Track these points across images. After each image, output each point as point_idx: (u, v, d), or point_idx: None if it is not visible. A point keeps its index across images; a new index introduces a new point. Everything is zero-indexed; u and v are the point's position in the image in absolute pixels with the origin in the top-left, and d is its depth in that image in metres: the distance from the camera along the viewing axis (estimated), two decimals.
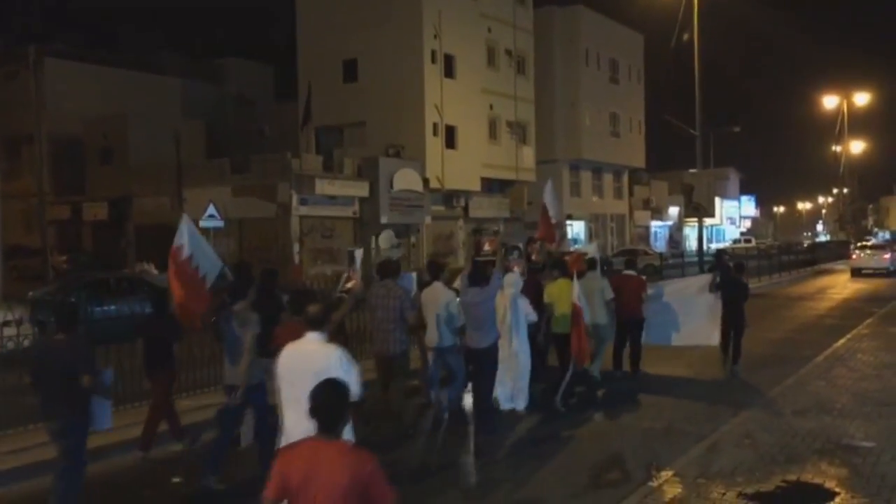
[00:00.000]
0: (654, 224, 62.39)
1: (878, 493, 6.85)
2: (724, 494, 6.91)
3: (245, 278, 8.45)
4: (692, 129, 31.07)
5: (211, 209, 29.69)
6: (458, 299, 9.57)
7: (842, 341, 15.66)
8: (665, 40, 54.04)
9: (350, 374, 5.16)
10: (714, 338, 13.01)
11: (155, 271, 20.41)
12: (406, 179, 34.83)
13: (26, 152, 37.34)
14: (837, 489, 7.01)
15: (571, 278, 10.76)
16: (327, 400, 3.72)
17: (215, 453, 7.77)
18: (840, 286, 32.02)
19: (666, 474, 7.54)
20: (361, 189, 33.87)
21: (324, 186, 32.33)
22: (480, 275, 9.04)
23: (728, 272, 13.54)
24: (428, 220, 36.89)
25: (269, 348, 6.38)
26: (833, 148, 59.87)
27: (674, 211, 64.18)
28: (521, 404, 10.35)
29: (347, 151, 35.64)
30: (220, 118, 43.44)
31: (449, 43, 37.77)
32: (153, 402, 8.88)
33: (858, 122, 58.10)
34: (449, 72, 38.13)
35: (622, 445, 9.03)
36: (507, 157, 42.55)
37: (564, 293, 10.67)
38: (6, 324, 11.03)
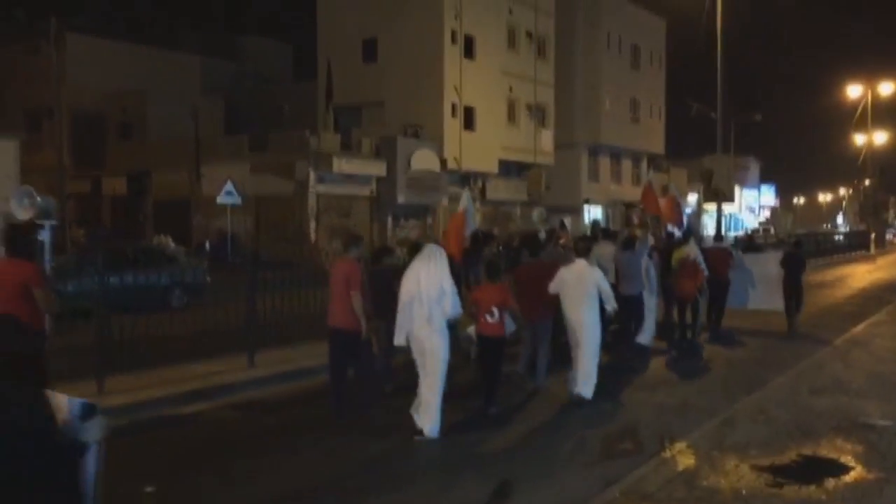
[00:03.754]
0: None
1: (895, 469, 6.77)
2: (737, 466, 6.84)
3: (486, 239, 12.53)
4: (713, 113, 30.85)
5: (229, 186, 29.81)
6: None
7: (861, 326, 15.51)
8: (688, 27, 53.55)
9: (606, 283, 9.83)
10: (780, 304, 15.33)
11: (172, 244, 20.45)
12: (423, 160, 34.78)
13: (47, 126, 37.50)
14: (853, 464, 6.93)
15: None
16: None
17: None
18: (859, 276, 31.73)
19: (679, 446, 7.49)
20: (379, 168, 33.86)
21: (341, 165, 32.34)
22: (630, 241, 12.64)
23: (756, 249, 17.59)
24: (444, 201, 36.81)
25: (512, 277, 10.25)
26: (855, 138, 59.06)
27: (692, 199, 63.71)
28: (646, 339, 12.90)
29: (366, 131, 35.59)
30: (239, 96, 43.52)
31: (470, 23, 37.57)
32: None
33: (883, 113, 56.96)
34: (469, 52, 37.94)
35: (636, 419, 8.98)
36: (526, 140, 42.36)
37: (679, 256, 13.44)
38: None
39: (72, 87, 35.63)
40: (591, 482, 6.67)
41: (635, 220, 16.10)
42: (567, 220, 15.30)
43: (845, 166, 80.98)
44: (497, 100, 40.16)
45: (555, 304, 10.00)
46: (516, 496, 6.47)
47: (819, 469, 6.78)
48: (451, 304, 7.93)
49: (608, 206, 51.27)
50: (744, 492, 6.23)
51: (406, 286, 7.99)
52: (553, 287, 9.75)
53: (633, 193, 54.38)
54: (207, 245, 31.03)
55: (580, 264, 9.77)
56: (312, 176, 31.83)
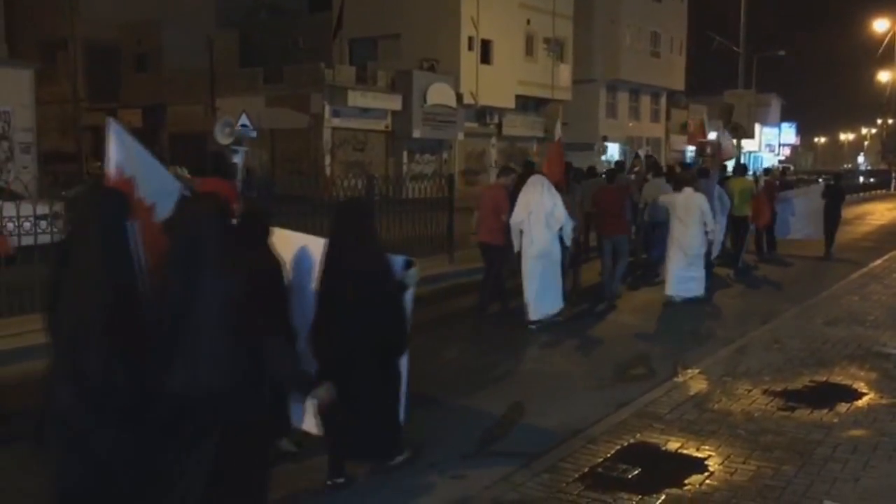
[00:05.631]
0: (691, 149, 61.00)
1: None
2: (749, 391, 6.88)
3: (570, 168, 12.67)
4: (735, 47, 30.26)
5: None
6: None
7: (878, 261, 15.48)
8: None
9: (708, 206, 11.29)
10: (820, 233, 16.84)
11: (188, 175, 20.42)
12: (440, 94, 34.34)
13: (61, 58, 37.25)
14: (866, 390, 6.95)
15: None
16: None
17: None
18: (879, 213, 31.43)
19: (692, 372, 7.53)
20: (394, 102, 33.49)
21: (356, 98, 32.00)
22: (705, 170, 13.85)
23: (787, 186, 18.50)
24: (461, 136, 36.50)
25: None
26: (880, 76, 57.83)
27: (712, 136, 62.87)
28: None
29: (381, 64, 35.11)
30: (254, 28, 42.91)
31: None
32: None
33: None
34: None
35: (649, 346, 9.03)
36: (543, 75, 41.66)
37: (739, 187, 14.75)
38: (44, 217, 11.13)
39: (86, 18, 35.26)
40: (603, 405, 6.72)
41: (708, 151, 18.47)
42: (641, 151, 18.00)
43: (868, 105, 79.62)
44: (515, 33, 39.37)
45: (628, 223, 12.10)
46: (529, 415, 6.54)
47: (831, 394, 6.80)
48: (563, 215, 9.54)
49: (626, 143, 50.62)
50: (755, 415, 6.26)
51: (519, 207, 9.59)
52: (662, 202, 12.01)
53: (651, 130, 53.78)
54: None
55: (687, 191, 11.46)
56: (327, 109, 31.55)
